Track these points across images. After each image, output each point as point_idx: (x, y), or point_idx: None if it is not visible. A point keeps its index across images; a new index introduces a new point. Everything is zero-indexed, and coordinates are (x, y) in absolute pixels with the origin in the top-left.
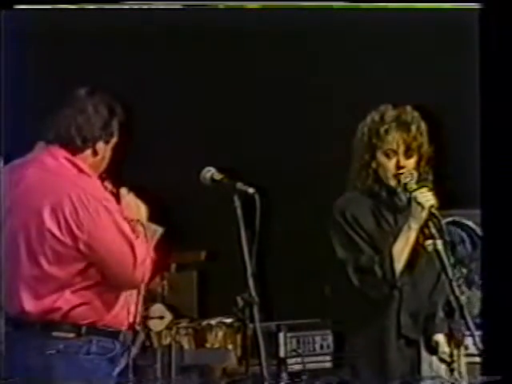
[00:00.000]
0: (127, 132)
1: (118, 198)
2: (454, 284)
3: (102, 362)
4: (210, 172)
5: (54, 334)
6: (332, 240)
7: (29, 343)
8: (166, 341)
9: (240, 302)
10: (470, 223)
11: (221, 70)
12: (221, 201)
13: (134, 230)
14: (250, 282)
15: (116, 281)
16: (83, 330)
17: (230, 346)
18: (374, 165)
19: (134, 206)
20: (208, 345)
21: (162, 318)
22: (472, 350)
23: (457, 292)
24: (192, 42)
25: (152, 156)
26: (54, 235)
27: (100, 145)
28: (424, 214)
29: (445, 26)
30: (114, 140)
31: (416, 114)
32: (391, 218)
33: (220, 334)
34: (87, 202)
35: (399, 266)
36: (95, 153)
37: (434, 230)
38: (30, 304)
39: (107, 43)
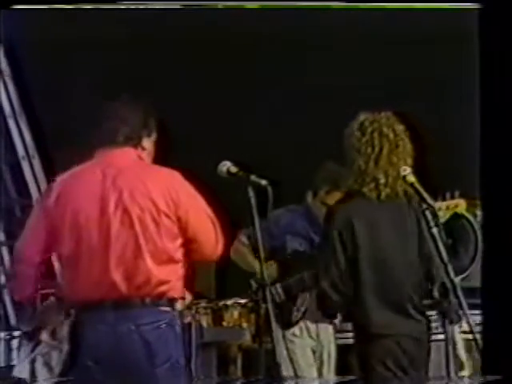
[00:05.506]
0: (162, 128)
1: None
2: (449, 267)
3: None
4: (225, 166)
5: (158, 308)
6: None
7: (102, 319)
8: (187, 319)
9: (253, 285)
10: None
11: (220, 69)
12: (236, 191)
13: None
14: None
15: (203, 253)
16: (176, 304)
17: (244, 325)
18: (356, 166)
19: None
20: (225, 323)
21: (183, 298)
22: (464, 327)
23: (451, 274)
24: (191, 42)
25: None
26: (166, 215)
27: (145, 141)
28: None
29: (445, 26)
30: (154, 136)
31: (391, 119)
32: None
33: (235, 313)
34: (184, 188)
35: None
36: (143, 149)
37: (429, 218)
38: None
39: (110, 44)
